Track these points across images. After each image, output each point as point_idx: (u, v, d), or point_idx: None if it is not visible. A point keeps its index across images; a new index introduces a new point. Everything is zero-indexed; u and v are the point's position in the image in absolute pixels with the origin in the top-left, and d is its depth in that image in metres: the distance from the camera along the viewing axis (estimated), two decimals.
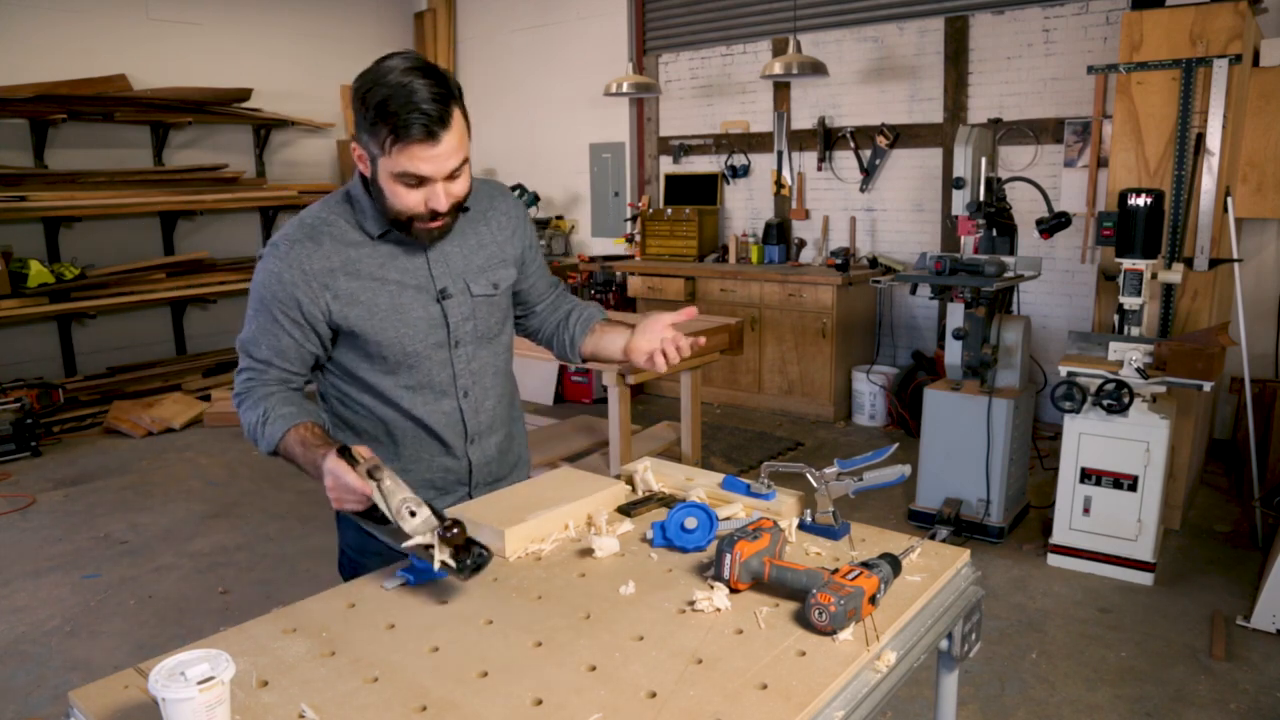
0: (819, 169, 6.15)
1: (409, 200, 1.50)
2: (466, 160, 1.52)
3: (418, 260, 1.62)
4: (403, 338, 1.61)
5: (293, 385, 1.62)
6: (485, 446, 1.79)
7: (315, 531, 4.13)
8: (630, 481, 1.86)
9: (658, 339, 1.68)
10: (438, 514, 1.34)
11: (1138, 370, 3.26)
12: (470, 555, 1.32)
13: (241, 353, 1.61)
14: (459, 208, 1.58)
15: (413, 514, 1.31)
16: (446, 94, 1.44)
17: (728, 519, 1.64)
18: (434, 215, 1.52)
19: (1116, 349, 3.38)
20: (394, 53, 1.48)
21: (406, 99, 1.40)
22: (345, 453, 1.36)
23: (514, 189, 6.85)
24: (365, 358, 1.63)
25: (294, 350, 1.59)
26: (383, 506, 1.32)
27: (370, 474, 1.33)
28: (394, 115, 1.40)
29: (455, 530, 1.31)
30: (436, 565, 1.31)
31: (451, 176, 1.50)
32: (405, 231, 1.56)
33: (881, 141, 5.81)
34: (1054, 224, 3.66)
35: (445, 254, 1.65)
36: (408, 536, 1.31)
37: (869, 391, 5.60)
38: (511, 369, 1.87)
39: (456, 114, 1.46)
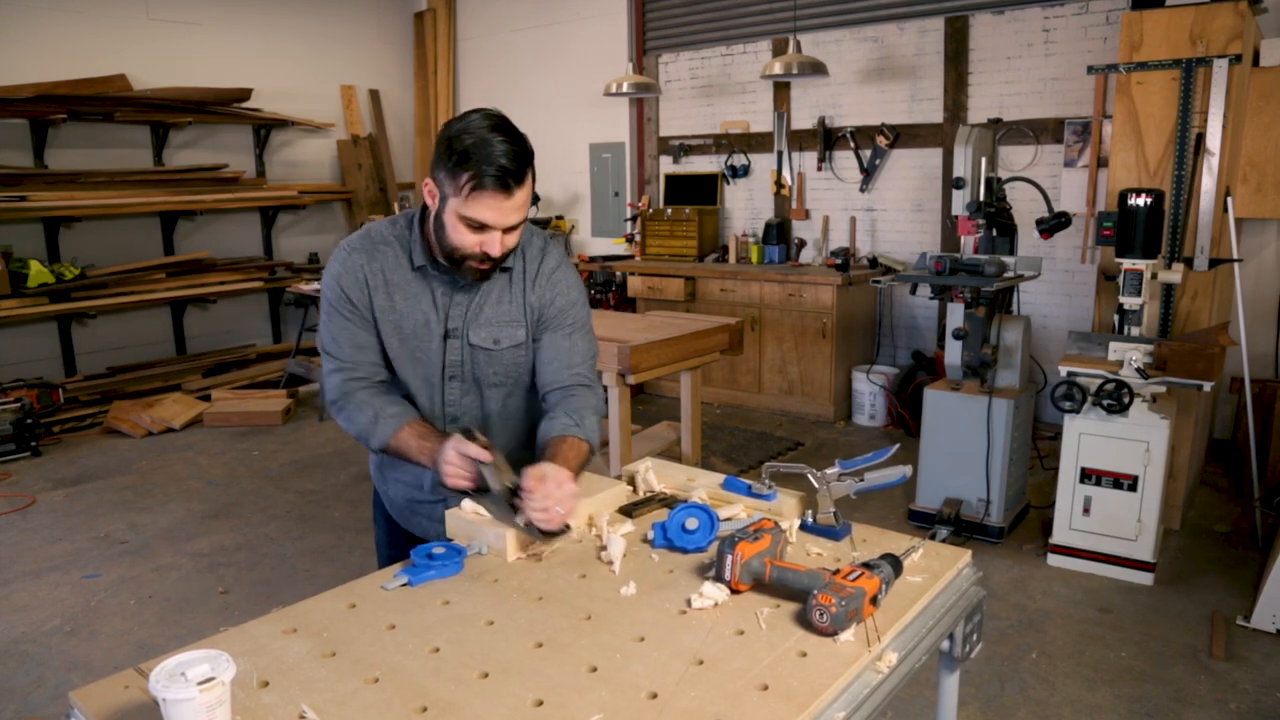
0: (819, 169, 6.15)
1: (466, 240, 1.61)
2: (525, 219, 1.65)
3: (442, 299, 1.75)
4: (405, 360, 1.77)
5: (380, 379, 1.78)
6: None
7: (315, 531, 4.13)
8: (631, 482, 1.86)
9: (551, 503, 1.52)
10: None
11: (1138, 370, 3.26)
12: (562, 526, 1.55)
13: (326, 356, 1.77)
14: (503, 260, 1.69)
15: (509, 488, 1.55)
16: (524, 154, 1.57)
17: (729, 520, 1.64)
18: (485, 258, 1.63)
19: (1116, 349, 3.38)
20: (481, 108, 1.61)
21: (490, 152, 1.53)
22: (466, 433, 1.61)
23: None
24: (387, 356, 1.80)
25: (371, 344, 1.75)
26: (491, 478, 1.55)
27: (488, 448, 1.58)
28: (477, 164, 1.53)
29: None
30: (518, 523, 1.53)
31: (510, 229, 1.62)
32: (455, 266, 1.67)
33: (881, 141, 5.81)
34: (1054, 224, 3.66)
35: (466, 300, 1.76)
36: (503, 504, 1.56)
37: (869, 391, 5.60)
38: (532, 415, 1.89)
39: (529, 174, 1.59)
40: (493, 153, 1.53)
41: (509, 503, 1.55)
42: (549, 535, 1.53)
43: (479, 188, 1.54)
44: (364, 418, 1.72)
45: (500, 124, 1.57)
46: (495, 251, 1.63)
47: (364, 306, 1.73)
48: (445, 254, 1.66)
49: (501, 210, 1.58)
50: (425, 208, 1.70)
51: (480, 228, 1.59)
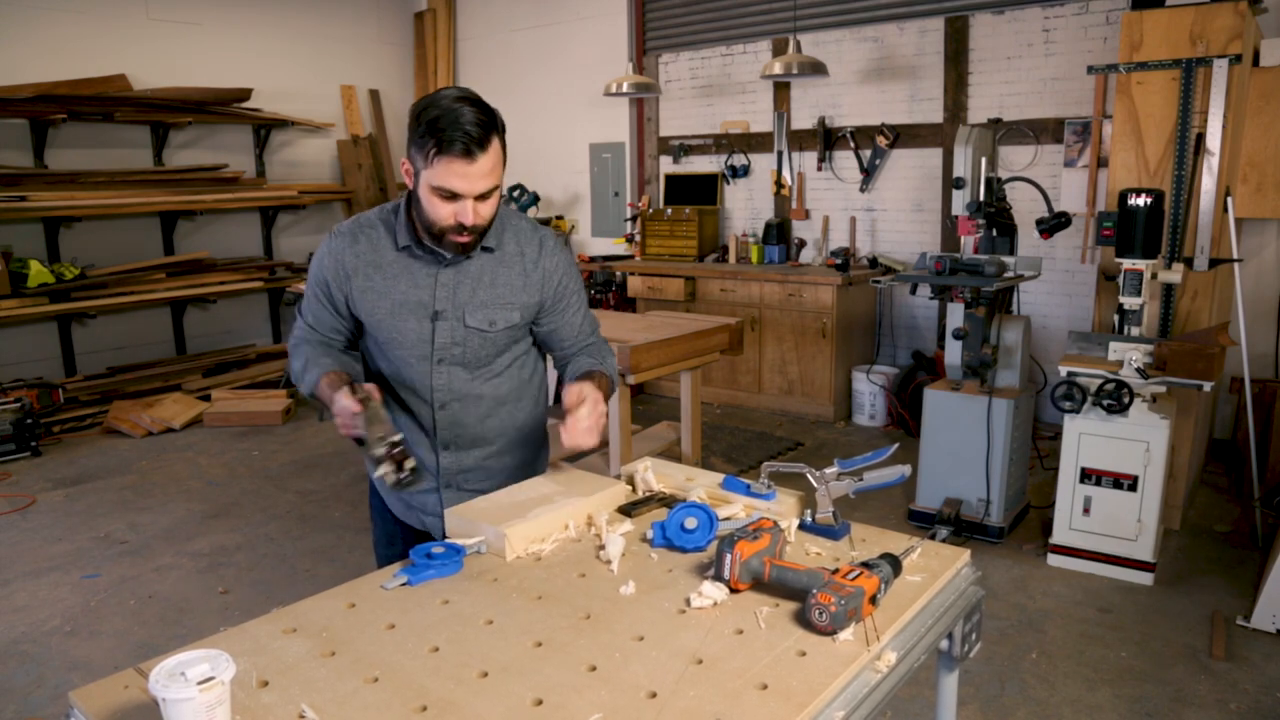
0: (819, 169, 6.15)
1: (442, 212, 1.65)
2: (497, 187, 1.68)
3: (427, 279, 1.78)
4: (394, 342, 1.81)
5: (333, 344, 1.88)
6: (461, 457, 1.89)
7: (315, 531, 4.13)
8: (631, 481, 1.86)
9: (592, 422, 1.71)
10: (401, 443, 1.63)
11: (1138, 370, 3.26)
12: (407, 474, 1.63)
13: (299, 313, 1.90)
14: (484, 233, 1.73)
15: (380, 439, 1.61)
16: (489, 123, 1.61)
17: (728, 519, 1.64)
18: (462, 229, 1.66)
19: (1116, 349, 3.38)
20: (452, 86, 1.64)
21: (454, 120, 1.57)
22: (351, 386, 1.67)
23: (514, 189, 6.85)
24: (373, 341, 1.87)
25: (329, 321, 1.85)
26: (361, 426, 1.60)
27: (362, 401, 1.63)
28: (440, 131, 1.57)
29: (400, 449, 1.62)
30: (375, 473, 1.63)
31: (482, 197, 1.65)
32: (438, 242, 1.71)
33: (881, 141, 5.81)
34: (1054, 224, 3.66)
35: (454, 281, 1.79)
36: (368, 451, 1.61)
37: (869, 391, 5.60)
38: (522, 397, 1.95)
39: (495, 142, 1.62)
40: (457, 120, 1.57)
41: (372, 453, 1.61)
42: (401, 485, 1.62)
43: (442, 153, 1.58)
44: (298, 364, 1.83)
45: (467, 96, 1.62)
46: (469, 220, 1.65)
47: (339, 292, 1.81)
48: (426, 229, 1.71)
49: (468, 177, 1.60)
50: (412, 191, 1.74)
51: (451, 196, 1.63)
